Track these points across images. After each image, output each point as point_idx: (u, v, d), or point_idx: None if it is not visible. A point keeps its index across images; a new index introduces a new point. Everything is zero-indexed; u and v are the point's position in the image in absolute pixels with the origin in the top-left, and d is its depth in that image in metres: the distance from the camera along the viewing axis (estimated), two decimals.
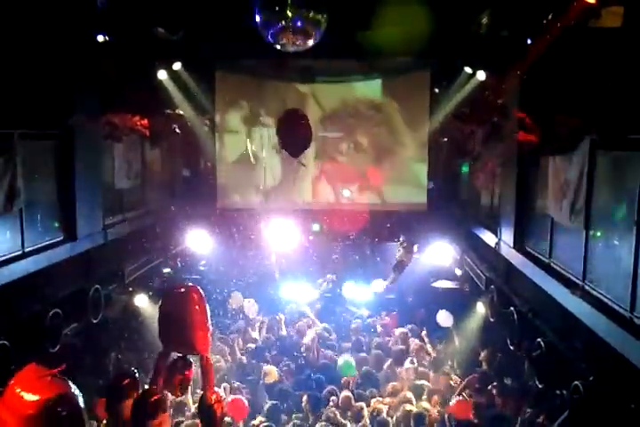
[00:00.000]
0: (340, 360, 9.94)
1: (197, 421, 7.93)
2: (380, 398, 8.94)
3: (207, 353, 6.76)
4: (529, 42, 7.54)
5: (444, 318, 11.42)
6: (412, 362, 9.99)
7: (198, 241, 12.45)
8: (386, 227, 12.82)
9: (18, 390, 4.19)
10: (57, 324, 7.33)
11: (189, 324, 6.63)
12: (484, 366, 9.77)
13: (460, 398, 8.35)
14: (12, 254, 6.74)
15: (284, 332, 11.68)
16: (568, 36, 6.59)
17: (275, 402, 8.68)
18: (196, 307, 6.72)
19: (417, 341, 10.95)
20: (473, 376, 9.01)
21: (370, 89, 12.71)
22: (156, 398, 6.22)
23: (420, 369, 9.94)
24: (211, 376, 6.74)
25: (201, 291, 6.92)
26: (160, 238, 11.83)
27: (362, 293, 12.94)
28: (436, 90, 12.36)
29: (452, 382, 9.48)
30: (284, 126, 7.41)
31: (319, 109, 12.62)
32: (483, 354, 10.30)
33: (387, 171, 12.89)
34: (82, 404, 4.54)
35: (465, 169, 12.38)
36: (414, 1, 7.98)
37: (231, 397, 8.35)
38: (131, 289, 10.54)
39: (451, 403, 8.29)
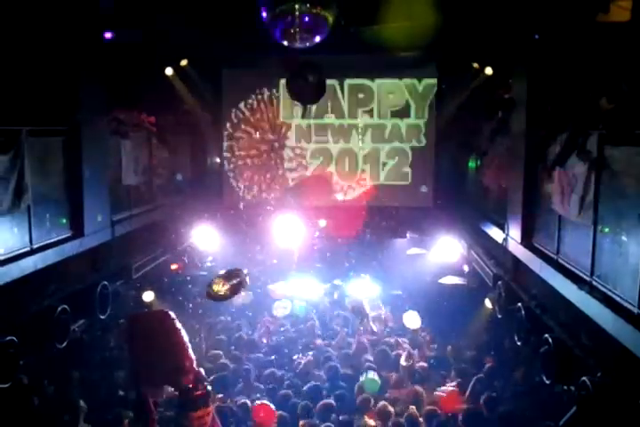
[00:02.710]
0: (363, 377, 9.20)
1: None
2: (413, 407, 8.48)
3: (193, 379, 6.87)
4: (536, 37, 7.51)
5: (411, 319, 11.23)
6: (407, 359, 9.81)
7: (205, 237, 12.47)
8: (392, 223, 12.80)
9: None
10: (65, 320, 7.37)
11: (176, 351, 6.80)
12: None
13: (450, 388, 8.27)
14: (21, 251, 6.76)
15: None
16: (576, 30, 6.56)
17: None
18: (175, 332, 6.91)
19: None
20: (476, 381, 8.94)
21: (376, 85, 12.67)
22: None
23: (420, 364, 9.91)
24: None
25: (172, 314, 7.11)
26: (167, 234, 11.85)
27: (367, 289, 12.89)
28: (443, 86, 12.33)
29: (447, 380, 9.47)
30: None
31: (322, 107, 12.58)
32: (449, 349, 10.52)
33: (392, 167, 12.86)
34: None
35: (472, 164, 12.34)
36: None
37: (258, 402, 8.01)
38: (138, 285, 10.59)
39: (439, 391, 8.20)
